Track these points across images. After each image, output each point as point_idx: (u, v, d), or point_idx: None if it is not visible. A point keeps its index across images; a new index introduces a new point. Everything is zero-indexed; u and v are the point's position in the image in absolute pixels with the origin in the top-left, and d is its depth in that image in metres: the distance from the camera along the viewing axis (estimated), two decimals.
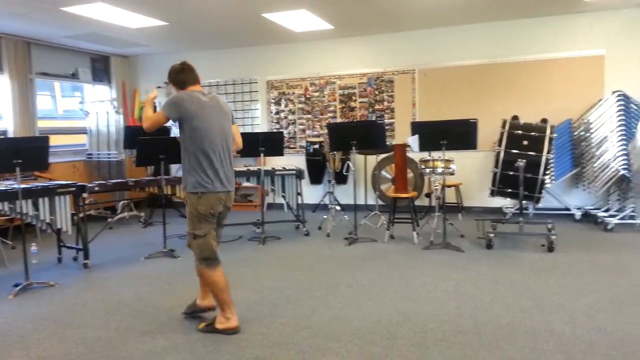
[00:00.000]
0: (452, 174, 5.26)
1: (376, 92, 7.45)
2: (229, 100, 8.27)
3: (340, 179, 7.21)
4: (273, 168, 5.92)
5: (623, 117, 5.67)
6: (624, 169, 5.55)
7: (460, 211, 6.68)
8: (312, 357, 2.72)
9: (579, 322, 3.07)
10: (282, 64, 7.92)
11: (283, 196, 5.94)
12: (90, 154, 7.70)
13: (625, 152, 5.59)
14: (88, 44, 7.54)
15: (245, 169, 5.95)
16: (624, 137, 5.63)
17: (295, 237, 5.87)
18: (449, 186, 6.38)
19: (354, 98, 7.58)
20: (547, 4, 5.98)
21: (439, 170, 5.17)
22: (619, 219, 5.60)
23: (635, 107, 5.75)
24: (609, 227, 5.55)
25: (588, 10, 6.28)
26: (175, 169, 7.76)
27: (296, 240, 5.71)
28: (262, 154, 5.67)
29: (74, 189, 4.74)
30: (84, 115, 7.76)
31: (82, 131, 7.81)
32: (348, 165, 6.86)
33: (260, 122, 8.16)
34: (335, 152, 6.73)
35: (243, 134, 6.81)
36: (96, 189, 5.23)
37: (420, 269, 4.37)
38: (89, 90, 8.27)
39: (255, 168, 5.92)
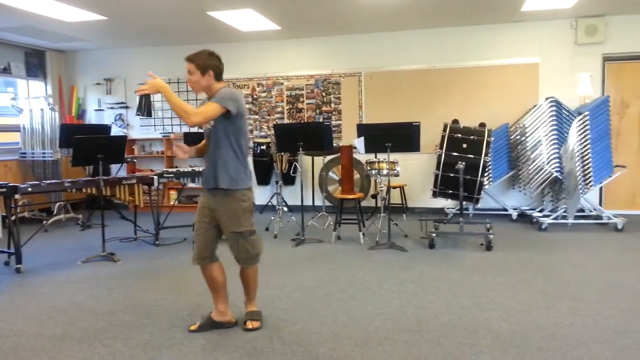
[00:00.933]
0: (396, 175, 5.38)
1: (323, 94, 7.50)
2: None
3: (288, 180, 7.20)
4: None
5: (555, 122, 6.00)
6: (556, 171, 5.88)
7: (404, 212, 6.84)
8: (257, 359, 2.70)
9: (514, 318, 3.21)
10: (229, 63, 7.72)
11: None
12: (24, 153, 7.28)
13: (557, 155, 5.92)
14: (21, 38, 7.13)
15: (190, 169, 5.82)
16: (557, 141, 5.97)
17: None
18: (394, 187, 6.52)
19: (301, 99, 7.60)
20: (485, 13, 6.25)
21: (384, 171, 5.27)
22: (552, 219, 5.92)
23: (566, 113, 6.10)
24: (543, 226, 5.86)
25: (524, 20, 6.61)
26: (115, 170, 7.48)
27: None
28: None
29: (4, 189, 4.47)
30: (17, 112, 7.33)
31: (14, 129, 7.38)
32: (295, 167, 6.86)
33: None
34: (282, 153, 6.71)
35: (189, 134, 6.72)
36: (30, 189, 4.95)
37: (365, 269, 4.43)
38: (22, 86, 7.82)
39: (201, 169, 5.80)
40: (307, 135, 5.42)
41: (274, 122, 7.56)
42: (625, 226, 5.67)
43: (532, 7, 5.92)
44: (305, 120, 7.55)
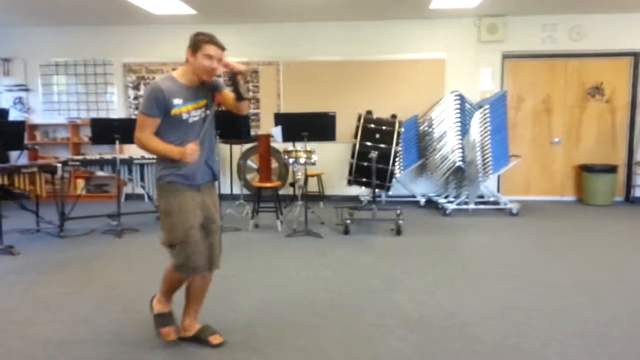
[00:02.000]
0: (313, 164, 5.49)
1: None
2: (79, 83, 7.59)
3: None
4: (130, 157, 5.60)
5: (459, 115, 6.42)
6: (459, 160, 6.31)
7: (322, 200, 7.00)
8: (173, 352, 2.68)
9: (420, 299, 3.44)
10: (142, 46, 7.49)
11: (142, 186, 5.66)
12: None
13: (461, 145, 6.35)
14: None
15: (99, 157, 5.54)
16: (460, 133, 6.39)
17: (156, 228, 5.63)
18: (312, 176, 6.64)
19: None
20: (397, 9, 6.50)
21: (302, 160, 5.36)
22: (455, 205, 6.36)
23: (469, 106, 6.55)
24: (447, 212, 6.28)
25: (432, 17, 6.96)
26: (16, 156, 6.92)
27: (156, 231, 5.48)
28: (117, 142, 5.33)
29: None
30: None
31: None
32: None
33: (116, 107, 7.63)
34: None
35: (95, 120, 6.38)
36: None
37: (283, 256, 4.51)
38: None
39: (110, 156, 5.54)
40: (224, 123, 5.35)
41: None
42: (519, 211, 6.23)
43: (440, 6, 6.25)
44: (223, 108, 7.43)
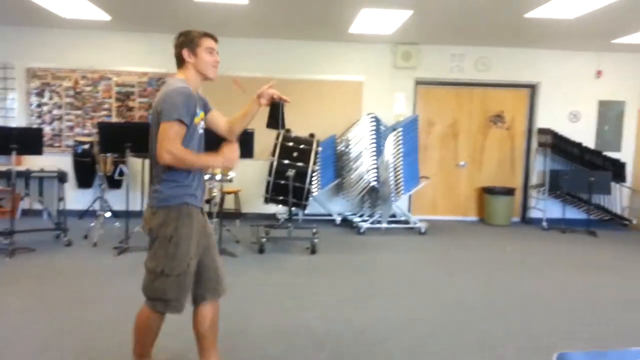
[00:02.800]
0: (230, 181, 5.41)
1: (157, 93, 7.18)
2: None
3: (115, 183, 6.72)
4: (28, 169, 5.19)
5: (374, 137, 6.65)
6: (374, 180, 6.52)
7: (238, 217, 6.90)
8: None
9: (331, 316, 3.48)
10: (48, 50, 7.01)
11: (40, 201, 5.25)
12: None
13: (375, 166, 6.57)
14: None
15: None
16: (375, 153, 6.61)
17: (54, 247, 5.24)
18: (229, 193, 6.54)
19: (132, 97, 7.16)
20: (318, 30, 6.65)
21: (218, 177, 5.25)
22: (369, 224, 6.54)
23: (383, 128, 6.81)
24: (361, 230, 6.44)
25: (351, 40, 7.20)
26: None
27: (55, 251, 5.11)
28: (14, 152, 4.92)
29: None
30: None
31: None
32: (121, 169, 6.42)
33: (16, 115, 7.05)
34: (106, 154, 6.24)
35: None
36: None
37: None
38: None
39: (4, 168, 5.09)
40: (136, 135, 5.14)
41: (100, 120, 6.99)
42: (428, 230, 6.54)
43: (358, 30, 6.49)
44: (137, 120, 7.14)
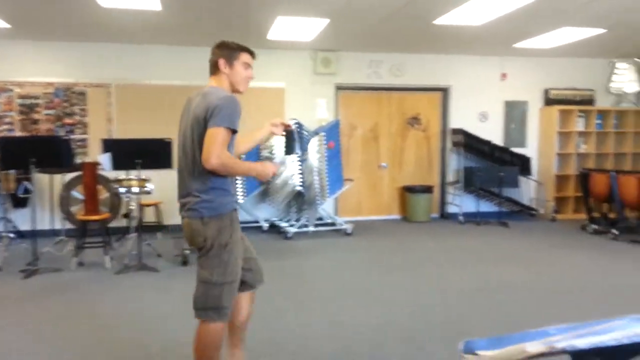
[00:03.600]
0: (149, 193, 5.19)
1: (65, 105, 6.76)
2: None
3: (20, 201, 6.22)
4: None
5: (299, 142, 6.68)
6: (299, 185, 6.54)
7: (159, 230, 6.64)
8: None
9: (269, 324, 3.42)
10: None
11: None
12: None
13: (300, 171, 6.60)
14: None
15: None
16: (299, 159, 6.64)
17: None
18: (148, 205, 6.28)
19: (37, 109, 6.69)
20: (234, 37, 6.56)
21: (135, 189, 5.03)
22: (296, 228, 6.55)
23: (306, 133, 6.86)
24: (289, 235, 6.44)
25: (271, 47, 7.19)
26: None
27: None
28: None
29: None
30: None
31: None
32: (26, 187, 5.97)
33: None
34: (8, 171, 5.77)
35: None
36: None
37: (112, 296, 4.13)
38: None
39: None
40: (41, 150, 4.79)
41: (1, 135, 6.46)
42: (354, 231, 6.66)
43: (277, 37, 6.50)
44: (43, 134, 6.67)
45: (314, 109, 7.59)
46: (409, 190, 7.71)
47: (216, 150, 2.11)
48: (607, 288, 4.27)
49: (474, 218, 7.53)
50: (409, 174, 8.04)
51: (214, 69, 2.40)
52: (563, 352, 1.09)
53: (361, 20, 5.75)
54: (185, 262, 5.10)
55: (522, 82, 8.09)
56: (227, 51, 2.39)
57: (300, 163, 6.61)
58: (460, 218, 7.53)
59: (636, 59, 7.98)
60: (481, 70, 7.98)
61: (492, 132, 7.99)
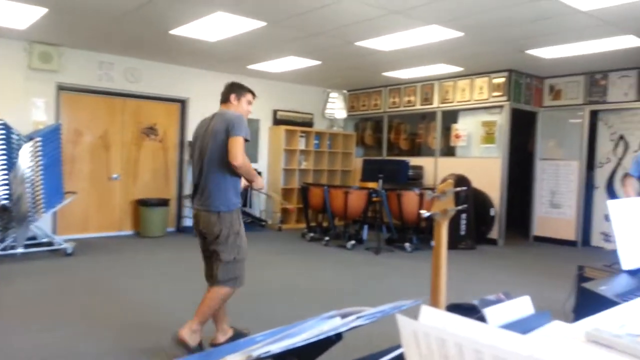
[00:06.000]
0: None
1: None
2: None
3: None
4: None
5: (5, 147, 5.63)
6: (4, 199, 5.51)
7: None
8: None
9: None
10: None
11: None
12: None
13: (6, 181, 5.56)
14: None
15: None
16: (6, 167, 5.60)
17: None
18: None
19: None
20: None
21: None
22: (0, 250, 5.48)
23: (17, 137, 5.84)
24: None
25: None
26: None
27: None
28: None
29: None
30: None
31: None
32: None
33: None
34: None
35: None
36: None
37: None
38: None
39: None
40: None
41: None
42: (75, 250, 5.93)
43: None
44: None
45: (29, 109, 6.55)
46: (143, 203, 7.35)
47: (239, 152, 2.87)
48: (317, 288, 4.87)
49: None
50: (144, 186, 7.67)
51: (225, 100, 3.20)
52: (259, 359, 1.16)
53: (88, 16, 5.25)
54: None
55: (255, 102, 8.65)
56: (239, 90, 3.21)
57: (4, 172, 5.58)
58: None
59: (344, 91, 9.50)
60: (218, 86, 8.02)
61: None
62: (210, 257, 3.08)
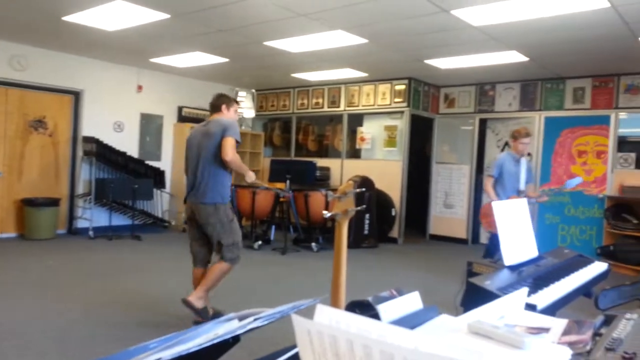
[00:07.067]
0: None
1: None
2: None
3: None
4: None
5: None
6: None
7: None
8: None
9: None
10: None
11: None
12: None
13: None
14: None
15: None
16: None
17: None
18: None
19: None
20: None
21: None
22: None
23: None
24: None
25: None
26: None
27: None
28: None
29: None
30: None
31: None
32: None
33: None
34: None
35: None
36: None
37: None
38: None
39: None
40: None
41: None
42: None
43: None
44: None
45: None
46: (29, 203, 6.71)
47: (231, 150, 3.46)
48: (221, 290, 4.77)
49: (105, 232, 7.18)
50: (31, 184, 7.01)
51: (216, 109, 3.71)
52: None
53: None
54: None
55: (158, 97, 8.31)
56: (228, 101, 3.73)
57: None
58: (90, 233, 7.04)
59: (253, 90, 9.41)
60: (117, 79, 7.76)
61: (128, 144, 7.87)
62: (208, 243, 3.68)
